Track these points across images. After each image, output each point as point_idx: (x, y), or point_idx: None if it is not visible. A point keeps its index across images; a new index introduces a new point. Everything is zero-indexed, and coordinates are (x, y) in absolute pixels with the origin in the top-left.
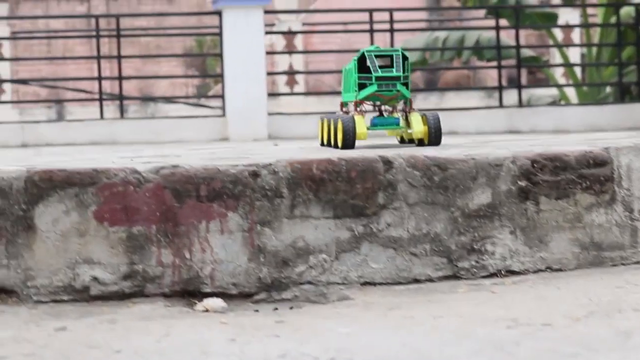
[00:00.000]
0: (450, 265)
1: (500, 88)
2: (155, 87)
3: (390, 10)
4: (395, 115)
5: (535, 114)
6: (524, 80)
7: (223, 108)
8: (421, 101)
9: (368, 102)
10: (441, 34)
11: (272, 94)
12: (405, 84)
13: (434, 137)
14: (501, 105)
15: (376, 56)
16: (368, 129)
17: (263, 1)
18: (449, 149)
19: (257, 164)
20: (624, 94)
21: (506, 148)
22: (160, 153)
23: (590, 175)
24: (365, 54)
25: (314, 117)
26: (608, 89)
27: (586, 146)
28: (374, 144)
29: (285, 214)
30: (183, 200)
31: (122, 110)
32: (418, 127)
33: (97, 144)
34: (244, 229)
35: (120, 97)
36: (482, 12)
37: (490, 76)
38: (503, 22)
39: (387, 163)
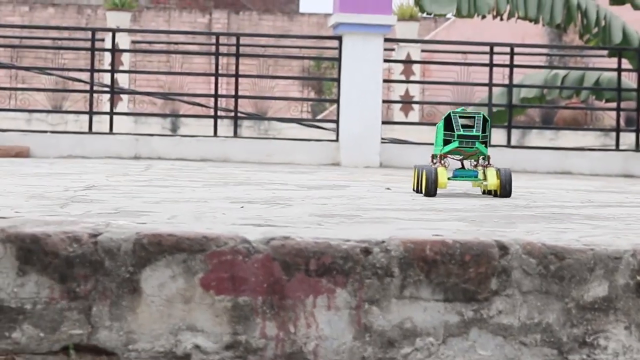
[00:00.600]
0: (560, 358)
1: (617, 130)
2: (270, 101)
3: (512, 45)
4: (475, 169)
5: None
6: None
7: (336, 133)
8: (536, 137)
9: (453, 157)
10: (561, 71)
11: (386, 122)
12: (484, 142)
13: (505, 189)
14: (617, 148)
15: (460, 117)
16: (449, 179)
17: (384, 29)
18: (565, 233)
19: (370, 241)
20: None
21: (624, 236)
22: (272, 194)
23: None
24: (451, 114)
25: (426, 148)
26: None
27: None
28: (456, 193)
29: (395, 294)
30: (292, 273)
31: (235, 129)
32: (492, 180)
33: (208, 160)
34: (352, 306)
35: (235, 117)
36: (604, 52)
37: (608, 115)
38: (625, 63)
39: (503, 248)
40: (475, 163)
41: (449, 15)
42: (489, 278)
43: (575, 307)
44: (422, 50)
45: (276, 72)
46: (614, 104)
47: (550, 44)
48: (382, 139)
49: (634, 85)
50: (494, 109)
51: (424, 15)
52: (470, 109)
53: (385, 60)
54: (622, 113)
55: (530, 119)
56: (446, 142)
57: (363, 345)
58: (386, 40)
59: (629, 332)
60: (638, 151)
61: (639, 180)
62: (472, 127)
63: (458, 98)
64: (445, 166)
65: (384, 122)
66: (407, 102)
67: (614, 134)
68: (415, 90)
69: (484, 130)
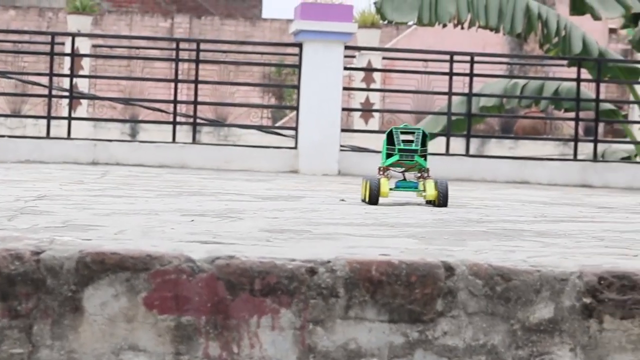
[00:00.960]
0: None
1: (576, 141)
2: (230, 107)
3: (472, 54)
4: (415, 180)
5: (609, 169)
6: (600, 131)
7: (295, 140)
8: (495, 146)
9: (395, 169)
10: (520, 81)
11: (346, 130)
12: (423, 156)
13: (442, 200)
14: (575, 158)
15: (402, 132)
16: (391, 189)
17: (344, 37)
18: (513, 253)
19: (315, 261)
20: None
21: (572, 256)
22: (224, 206)
23: None
24: (393, 130)
25: None
26: None
27: None
28: (398, 202)
29: (340, 314)
30: (236, 293)
31: (194, 135)
32: (430, 192)
33: (166, 167)
34: (296, 326)
35: (194, 123)
36: (563, 62)
37: (567, 125)
38: (585, 73)
39: (449, 269)
40: (418, 175)
41: (410, 23)
42: (435, 299)
43: (520, 329)
44: (383, 58)
45: (237, 78)
46: (572, 114)
47: (511, 53)
48: (342, 146)
49: (593, 95)
50: (454, 118)
51: (386, 22)
52: (425, 120)
53: (346, 68)
54: (580, 123)
55: (490, 127)
56: (389, 156)
57: None
58: (347, 47)
59: (574, 354)
60: (596, 161)
61: (596, 191)
62: (413, 141)
63: (418, 106)
64: (388, 177)
65: (343, 130)
66: (367, 110)
67: (572, 143)
68: (375, 98)
69: (423, 145)
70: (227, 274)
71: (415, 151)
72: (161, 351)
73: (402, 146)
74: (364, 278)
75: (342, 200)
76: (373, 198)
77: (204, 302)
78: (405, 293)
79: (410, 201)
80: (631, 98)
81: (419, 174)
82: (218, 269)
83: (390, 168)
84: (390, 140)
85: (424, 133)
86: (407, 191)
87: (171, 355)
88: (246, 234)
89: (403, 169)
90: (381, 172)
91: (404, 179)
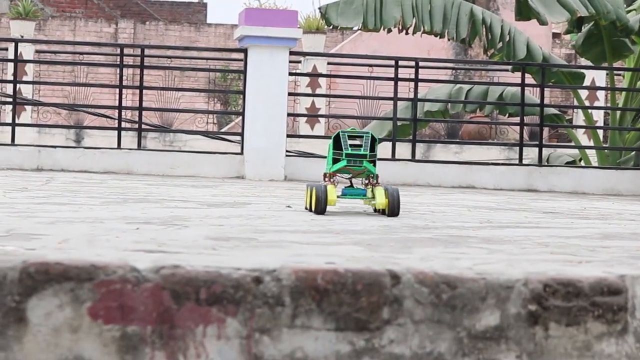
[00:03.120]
0: None
1: (521, 145)
2: (176, 113)
3: (417, 60)
4: (362, 187)
5: (554, 173)
6: (545, 135)
7: (241, 146)
8: (441, 151)
9: (342, 175)
10: (465, 86)
11: (291, 135)
12: (372, 162)
13: (393, 209)
14: (521, 163)
15: (349, 136)
16: (338, 197)
17: (289, 42)
18: (459, 260)
19: (261, 270)
20: None
21: (518, 263)
22: (170, 213)
23: (603, 304)
24: (340, 134)
25: None
26: (629, 154)
27: (601, 272)
28: (347, 211)
29: (286, 323)
30: (182, 302)
31: (139, 141)
32: (380, 200)
33: (112, 173)
34: (242, 335)
35: (139, 129)
36: (508, 67)
37: (512, 129)
38: (529, 78)
39: (395, 277)
40: (367, 182)
41: (355, 28)
42: (381, 307)
43: (467, 337)
44: (329, 63)
45: (182, 83)
46: (517, 119)
47: (455, 59)
48: (287, 152)
49: (537, 100)
50: (399, 123)
51: (331, 28)
52: (370, 126)
53: (291, 74)
54: (525, 127)
55: (436, 132)
56: (335, 161)
57: None
58: (292, 53)
59: None
60: (541, 166)
61: (541, 195)
62: (361, 146)
63: (364, 111)
64: (334, 184)
65: (289, 135)
66: (313, 116)
67: (517, 148)
68: (321, 103)
69: (372, 149)
70: (172, 284)
71: (363, 156)
72: None
73: (349, 151)
74: (310, 287)
75: (289, 206)
76: (320, 208)
77: (150, 312)
78: (352, 301)
79: (357, 209)
80: (575, 103)
81: (367, 180)
82: (163, 278)
83: (337, 174)
84: (337, 144)
85: (372, 137)
86: (355, 198)
87: None
88: (191, 243)
89: (350, 175)
90: (327, 179)
91: (351, 186)
